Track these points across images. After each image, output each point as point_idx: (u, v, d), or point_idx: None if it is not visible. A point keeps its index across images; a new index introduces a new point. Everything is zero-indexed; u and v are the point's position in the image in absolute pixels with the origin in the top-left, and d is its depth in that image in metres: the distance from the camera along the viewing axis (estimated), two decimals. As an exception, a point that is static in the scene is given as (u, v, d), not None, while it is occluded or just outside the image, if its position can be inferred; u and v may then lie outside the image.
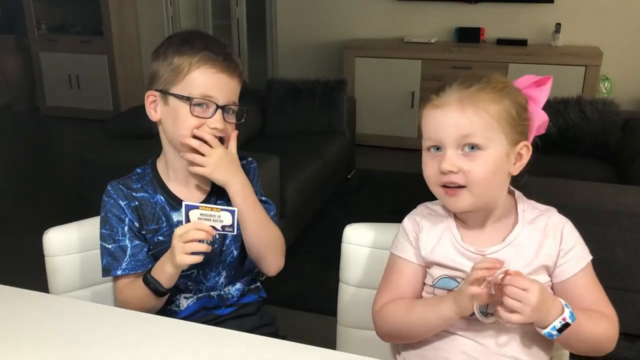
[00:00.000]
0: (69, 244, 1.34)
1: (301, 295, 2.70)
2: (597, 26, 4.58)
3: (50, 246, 1.33)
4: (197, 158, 1.22)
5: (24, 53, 5.95)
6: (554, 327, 1.00)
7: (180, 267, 1.18)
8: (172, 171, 1.31)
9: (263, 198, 1.38)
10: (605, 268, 2.18)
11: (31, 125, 5.77)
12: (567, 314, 1.00)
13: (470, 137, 1.04)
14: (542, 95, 1.09)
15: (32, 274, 1.55)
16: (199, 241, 1.15)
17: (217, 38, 1.29)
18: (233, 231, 1.16)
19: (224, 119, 1.23)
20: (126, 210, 1.27)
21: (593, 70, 4.25)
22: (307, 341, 1.07)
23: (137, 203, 1.28)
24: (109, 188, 1.29)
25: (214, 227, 1.15)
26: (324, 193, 3.63)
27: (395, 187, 3.93)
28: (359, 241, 1.33)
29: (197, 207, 1.14)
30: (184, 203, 1.15)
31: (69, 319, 1.13)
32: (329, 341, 1.38)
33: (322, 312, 2.51)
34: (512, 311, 0.98)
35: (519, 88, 1.10)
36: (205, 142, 1.22)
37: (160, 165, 1.33)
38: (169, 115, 1.24)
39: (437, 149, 1.07)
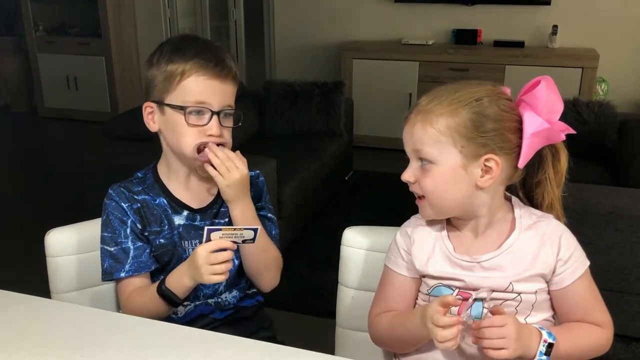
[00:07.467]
0: (70, 245, 1.35)
1: (298, 298, 2.71)
2: (593, 28, 4.59)
3: (52, 246, 1.34)
4: (221, 168, 1.22)
5: (22, 55, 5.94)
6: (541, 352, 1.01)
7: (204, 283, 1.20)
8: (174, 175, 1.31)
9: (269, 215, 1.38)
10: (600, 270, 2.16)
11: (29, 127, 5.77)
12: (545, 335, 1.02)
13: (419, 152, 1.08)
14: (534, 99, 1.05)
15: (31, 275, 1.55)
16: None
17: (210, 41, 1.29)
18: (253, 242, 1.16)
19: (221, 124, 1.23)
20: (128, 212, 1.27)
21: (590, 72, 4.27)
22: (303, 344, 1.07)
23: (139, 205, 1.29)
24: (110, 191, 1.30)
25: (234, 242, 1.15)
26: (321, 195, 3.64)
27: (393, 189, 3.92)
28: (358, 244, 1.34)
29: (219, 230, 1.13)
30: (206, 228, 1.12)
31: (65, 324, 1.13)
32: (325, 344, 1.39)
33: (319, 315, 2.51)
34: (498, 348, 0.99)
35: (499, 96, 1.07)
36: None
37: (162, 169, 1.33)
38: (167, 125, 1.25)
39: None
